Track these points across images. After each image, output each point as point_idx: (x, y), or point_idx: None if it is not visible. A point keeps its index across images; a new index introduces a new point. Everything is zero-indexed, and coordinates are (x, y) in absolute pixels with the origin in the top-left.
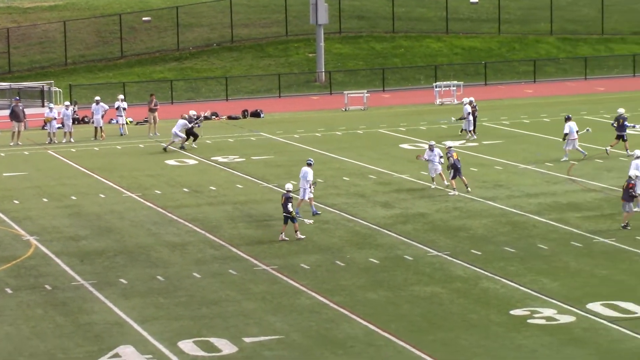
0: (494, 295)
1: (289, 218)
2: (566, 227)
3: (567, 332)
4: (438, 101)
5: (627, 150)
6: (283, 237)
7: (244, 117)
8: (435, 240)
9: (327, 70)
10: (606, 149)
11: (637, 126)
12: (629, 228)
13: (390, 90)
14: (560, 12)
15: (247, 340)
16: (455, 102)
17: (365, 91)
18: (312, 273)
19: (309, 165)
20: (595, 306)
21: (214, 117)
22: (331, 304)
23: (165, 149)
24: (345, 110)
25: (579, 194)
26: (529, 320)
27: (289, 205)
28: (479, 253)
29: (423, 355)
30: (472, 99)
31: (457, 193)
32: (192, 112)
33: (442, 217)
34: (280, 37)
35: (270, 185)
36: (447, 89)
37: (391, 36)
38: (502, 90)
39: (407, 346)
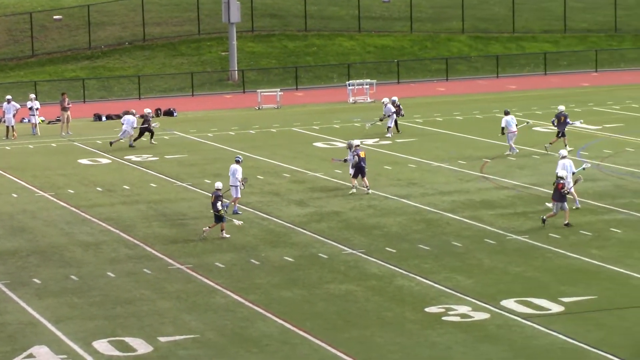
0: (408, 293)
1: (216, 217)
2: (480, 225)
3: (482, 329)
4: (351, 99)
5: (566, 146)
6: (204, 235)
7: (157, 115)
8: (349, 238)
9: (240, 69)
10: (545, 146)
11: (577, 123)
12: (544, 225)
13: (303, 89)
14: (472, 11)
15: (162, 339)
16: (369, 100)
17: (279, 90)
18: (227, 272)
19: (238, 162)
20: (509, 303)
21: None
22: (246, 303)
23: (131, 146)
24: (259, 108)
25: (492, 191)
26: (443, 318)
27: (219, 204)
28: (394, 251)
29: (338, 353)
30: (395, 98)
31: (355, 191)
32: (147, 110)
33: (356, 215)
34: (193, 35)
35: (184, 184)
36: (360, 87)
37: (304, 35)
38: (414, 88)
39: (323, 344)
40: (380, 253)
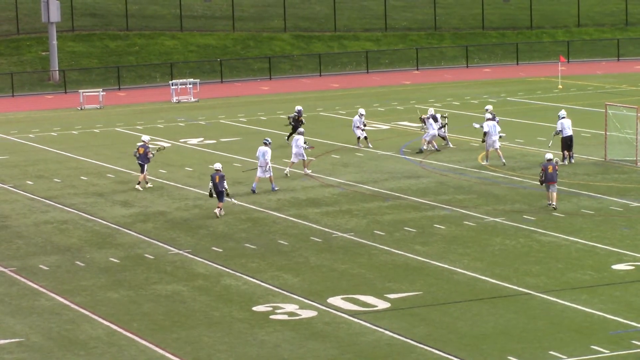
0: (236, 292)
1: (222, 194)
2: (306, 223)
3: (309, 326)
4: (175, 99)
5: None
6: (221, 212)
7: None
8: (175, 238)
9: (61, 69)
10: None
11: (477, 125)
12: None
13: (126, 89)
14: (294, 10)
15: None
16: (192, 99)
17: (101, 90)
18: (51, 274)
19: (266, 144)
20: (336, 300)
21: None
22: (72, 305)
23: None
24: (81, 109)
25: (317, 189)
26: (271, 316)
27: (225, 183)
28: (220, 250)
29: (166, 354)
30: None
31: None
32: (298, 108)
33: (182, 215)
34: (12, 35)
35: (6, 186)
36: (184, 86)
37: (125, 34)
38: (238, 87)
39: (150, 345)
40: (207, 253)
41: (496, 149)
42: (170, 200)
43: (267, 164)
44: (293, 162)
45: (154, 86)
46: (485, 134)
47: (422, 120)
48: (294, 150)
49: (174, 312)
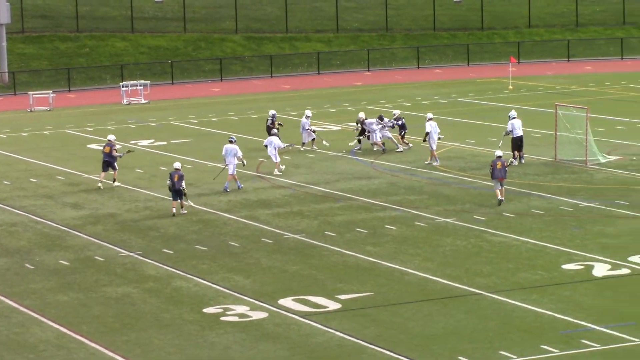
0: (186, 294)
1: (180, 194)
2: (257, 224)
3: (260, 328)
4: (125, 100)
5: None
6: (182, 211)
7: None
8: (126, 240)
9: (11, 71)
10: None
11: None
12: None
13: (76, 90)
14: (245, 11)
15: None
16: (143, 101)
17: (51, 91)
18: (0, 277)
19: (232, 142)
20: (287, 301)
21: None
22: (21, 308)
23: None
24: (31, 111)
25: (268, 191)
26: (222, 318)
27: (183, 182)
28: (171, 252)
29: (116, 357)
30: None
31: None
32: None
33: (132, 217)
34: None
35: None
36: (134, 88)
37: (75, 35)
38: (189, 89)
39: (100, 348)
40: (157, 254)
41: (433, 149)
42: (121, 202)
43: (242, 160)
44: (277, 162)
45: (105, 88)
46: (426, 134)
47: (361, 122)
48: (269, 150)
49: (124, 315)
